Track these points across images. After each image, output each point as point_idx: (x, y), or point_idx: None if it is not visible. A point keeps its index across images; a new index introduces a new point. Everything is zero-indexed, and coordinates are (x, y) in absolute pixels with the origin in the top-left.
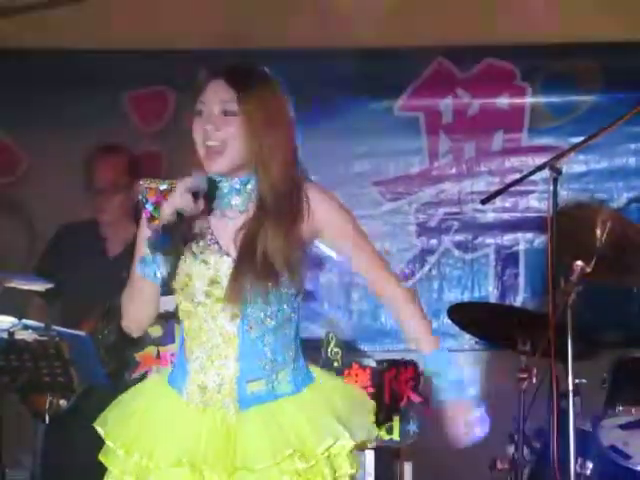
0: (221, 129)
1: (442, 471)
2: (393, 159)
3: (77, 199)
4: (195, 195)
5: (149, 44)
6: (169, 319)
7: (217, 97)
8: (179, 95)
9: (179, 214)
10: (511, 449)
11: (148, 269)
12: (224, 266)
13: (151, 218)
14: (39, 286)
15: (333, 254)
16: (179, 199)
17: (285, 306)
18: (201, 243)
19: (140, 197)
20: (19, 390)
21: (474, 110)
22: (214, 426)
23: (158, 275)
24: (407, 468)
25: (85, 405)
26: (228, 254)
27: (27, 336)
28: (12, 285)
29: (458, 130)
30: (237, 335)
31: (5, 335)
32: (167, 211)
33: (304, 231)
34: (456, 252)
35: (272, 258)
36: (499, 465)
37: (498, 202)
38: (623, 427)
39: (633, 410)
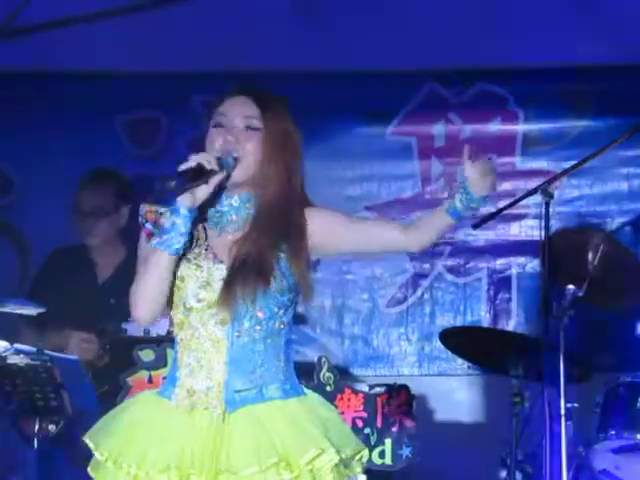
0: (241, 142)
1: None
2: (385, 183)
3: (70, 223)
4: (219, 163)
5: (142, 67)
6: (161, 343)
7: (241, 112)
8: (171, 119)
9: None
10: (503, 473)
11: (168, 239)
12: (217, 272)
13: (150, 235)
14: (31, 310)
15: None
16: (207, 155)
17: (275, 317)
18: (196, 250)
19: (140, 219)
20: (10, 414)
21: (466, 134)
22: (201, 427)
23: (180, 240)
24: None
25: (75, 430)
26: (222, 262)
27: (19, 360)
28: (4, 309)
29: (450, 154)
30: (226, 339)
31: None
32: (194, 161)
33: (305, 246)
34: (448, 276)
35: (265, 268)
36: None
37: (490, 226)
38: (615, 451)
39: (625, 434)
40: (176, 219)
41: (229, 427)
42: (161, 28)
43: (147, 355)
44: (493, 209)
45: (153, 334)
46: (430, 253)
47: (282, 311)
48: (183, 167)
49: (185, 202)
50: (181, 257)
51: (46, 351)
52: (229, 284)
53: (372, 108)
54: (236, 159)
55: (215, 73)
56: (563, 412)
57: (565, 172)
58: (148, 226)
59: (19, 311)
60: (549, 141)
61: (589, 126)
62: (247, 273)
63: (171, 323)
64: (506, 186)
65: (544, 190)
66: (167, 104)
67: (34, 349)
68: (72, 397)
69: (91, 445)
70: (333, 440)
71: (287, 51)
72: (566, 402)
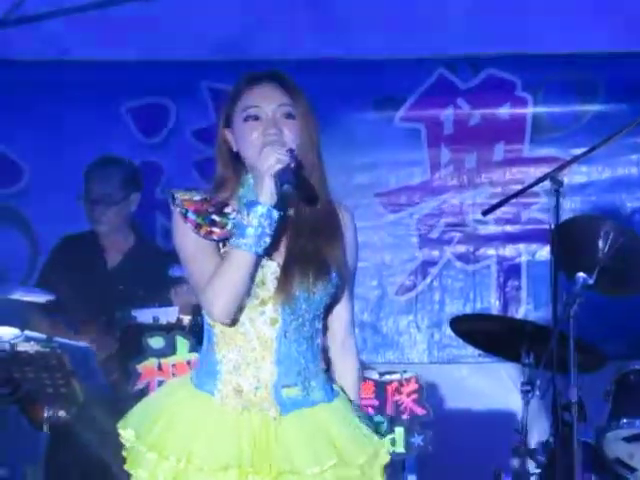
0: (284, 132)
1: None
2: (394, 170)
3: (78, 210)
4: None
5: (150, 54)
6: (170, 330)
7: (275, 101)
8: (179, 107)
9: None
10: (515, 462)
11: (256, 240)
12: (269, 270)
13: (198, 226)
14: (41, 297)
15: None
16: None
17: (318, 317)
18: None
19: (179, 210)
20: (20, 401)
21: (475, 121)
22: (254, 429)
23: (267, 240)
24: None
25: (86, 416)
26: (273, 259)
27: (29, 348)
28: (14, 297)
29: (459, 141)
30: (275, 340)
31: (7, 347)
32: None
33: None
34: (458, 264)
35: (324, 258)
36: (503, 478)
37: (500, 213)
38: (628, 440)
39: (637, 422)
40: (263, 220)
41: (282, 429)
42: (170, 15)
43: (157, 342)
44: (502, 196)
45: (163, 321)
46: (439, 240)
47: (323, 311)
48: (279, 167)
49: (269, 202)
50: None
51: (56, 338)
52: (285, 282)
53: (380, 95)
54: (292, 150)
55: (223, 61)
56: (574, 400)
57: (575, 159)
58: (192, 216)
59: (28, 299)
60: (559, 127)
61: (599, 112)
62: (305, 264)
63: (191, 311)
64: (515, 173)
65: (554, 177)
66: (175, 91)
67: (44, 336)
68: (82, 384)
69: (131, 434)
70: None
71: (296, 38)
72: (577, 390)
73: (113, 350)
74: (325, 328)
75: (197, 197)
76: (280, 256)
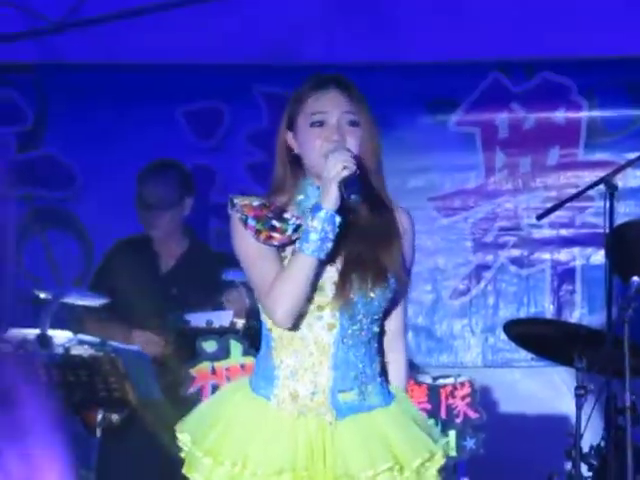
0: (347, 140)
1: None
2: (449, 174)
3: (132, 214)
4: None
5: (204, 58)
6: (224, 334)
7: (340, 108)
8: (233, 110)
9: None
10: (568, 465)
11: (320, 245)
12: (328, 274)
13: (258, 232)
14: (94, 301)
15: None
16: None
17: (376, 322)
18: None
19: (239, 216)
20: (74, 405)
21: (530, 125)
22: (310, 434)
23: (329, 245)
24: None
25: (139, 420)
26: (332, 264)
27: (83, 351)
28: (68, 300)
29: (514, 145)
30: (332, 345)
31: (61, 350)
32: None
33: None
34: (512, 268)
35: (382, 264)
36: None
37: (554, 217)
38: None
39: None
40: (326, 225)
41: (338, 433)
42: (224, 19)
43: (210, 346)
44: (557, 200)
45: (216, 325)
46: (494, 245)
47: (381, 315)
48: (346, 173)
49: (333, 207)
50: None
51: (109, 342)
52: (344, 284)
53: (435, 99)
54: (357, 157)
55: (276, 64)
56: (628, 404)
57: (629, 163)
58: (252, 222)
59: (83, 302)
60: (613, 131)
61: None
62: (363, 269)
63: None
64: (570, 177)
65: (608, 181)
66: (229, 95)
67: (97, 340)
68: (135, 388)
69: (187, 440)
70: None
71: (349, 42)
72: (631, 394)
73: (166, 354)
74: (382, 329)
75: (256, 202)
76: (339, 261)
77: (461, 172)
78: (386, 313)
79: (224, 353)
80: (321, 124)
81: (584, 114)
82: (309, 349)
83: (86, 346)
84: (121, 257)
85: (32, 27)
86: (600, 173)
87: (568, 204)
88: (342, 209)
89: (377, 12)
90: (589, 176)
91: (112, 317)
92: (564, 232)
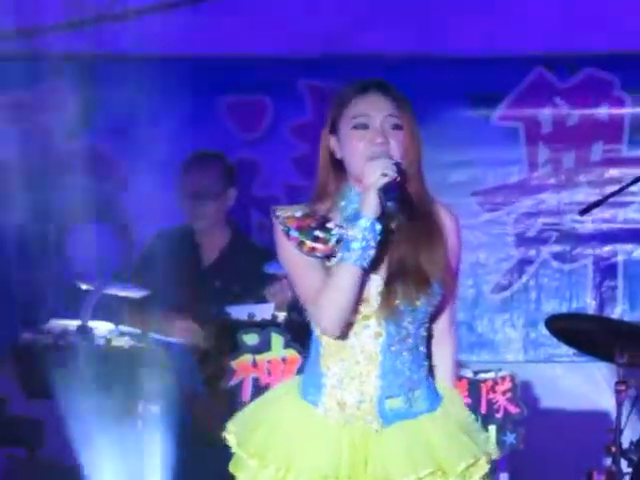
0: (391, 143)
1: None
2: (492, 169)
3: (174, 205)
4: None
5: (248, 50)
6: (265, 327)
7: (383, 111)
8: (277, 103)
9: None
10: (608, 461)
11: (362, 254)
12: (374, 283)
13: (301, 243)
14: (136, 292)
15: None
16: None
17: (422, 327)
18: None
19: (282, 227)
20: (115, 397)
21: (573, 120)
22: (354, 441)
23: (371, 253)
24: (503, 479)
25: (179, 412)
26: (376, 273)
27: (123, 343)
28: (109, 292)
29: (557, 140)
30: (379, 353)
31: (102, 342)
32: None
33: (446, 247)
34: (554, 263)
35: (424, 271)
36: (595, 477)
37: (597, 213)
38: None
39: None
40: (367, 233)
41: (383, 440)
42: (269, 12)
43: (251, 339)
44: (600, 196)
45: (258, 318)
46: (536, 239)
47: (428, 319)
48: (385, 180)
49: (373, 215)
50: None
51: (150, 334)
52: (390, 294)
53: (478, 93)
54: (398, 163)
55: (321, 58)
56: None
57: None
58: (294, 234)
59: (124, 293)
60: None
61: None
62: (407, 278)
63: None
64: (613, 173)
65: None
66: (273, 88)
67: (138, 331)
68: (176, 380)
69: (233, 441)
70: (479, 447)
71: (393, 35)
72: None
73: (207, 346)
74: (429, 332)
75: (299, 213)
76: (383, 270)
77: (504, 167)
78: (434, 316)
79: (265, 346)
80: (364, 127)
81: (627, 110)
82: (356, 358)
83: (127, 337)
84: (163, 248)
85: (79, 18)
86: None
87: (611, 200)
88: (382, 216)
89: (422, 5)
90: (632, 172)
91: (153, 309)
92: (607, 228)
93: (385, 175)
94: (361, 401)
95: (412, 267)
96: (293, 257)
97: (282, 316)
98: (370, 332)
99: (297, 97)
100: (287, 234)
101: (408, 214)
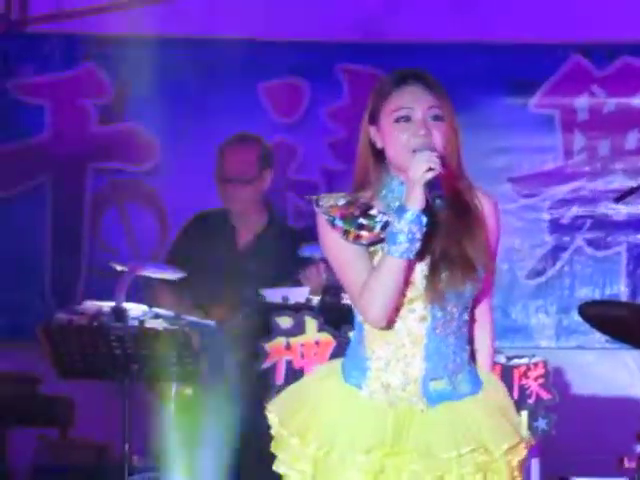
0: (433, 134)
1: (569, 468)
2: (528, 155)
3: (210, 188)
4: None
5: (287, 34)
6: (299, 310)
7: (424, 103)
8: (314, 87)
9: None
10: (639, 448)
11: (410, 247)
12: (419, 268)
13: (346, 232)
14: (170, 275)
15: None
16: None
17: (466, 309)
18: None
19: (326, 217)
20: (148, 378)
21: (609, 108)
22: (399, 420)
23: (417, 246)
24: (535, 464)
25: (213, 395)
26: (420, 260)
27: (157, 325)
28: (144, 273)
29: (593, 128)
30: (425, 336)
31: (136, 323)
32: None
33: (486, 234)
34: (588, 250)
35: (470, 257)
36: (627, 463)
37: (631, 201)
38: None
39: None
40: (413, 226)
41: (427, 418)
42: None
43: (285, 322)
44: (635, 183)
45: (291, 301)
46: (570, 226)
47: (470, 303)
48: (431, 175)
49: (418, 208)
50: (379, 250)
51: (184, 316)
52: (435, 280)
53: (515, 79)
54: (441, 157)
55: (358, 42)
56: None
57: None
58: (339, 224)
59: (159, 275)
60: None
61: None
62: (452, 265)
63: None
64: None
65: None
66: (310, 72)
67: (172, 314)
68: (209, 363)
69: (275, 420)
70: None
71: (430, 21)
72: None
73: (241, 329)
74: (471, 317)
75: (342, 201)
76: (427, 257)
77: (540, 154)
78: (476, 300)
79: (299, 329)
80: (407, 119)
81: None
82: (402, 341)
83: (161, 320)
84: (199, 230)
85: (114, 0)
86: None
87: None
88: (427, 208)
89: None
90: None
91: (188, 291)
92: None
93: (431, 169)
94: (406, 383)
95: (457, 254)
96: (338, 247)
97: (316, 300)
98: (416, 316)
99: (334, 82)
100: (332, 223)
101: (449, 204)
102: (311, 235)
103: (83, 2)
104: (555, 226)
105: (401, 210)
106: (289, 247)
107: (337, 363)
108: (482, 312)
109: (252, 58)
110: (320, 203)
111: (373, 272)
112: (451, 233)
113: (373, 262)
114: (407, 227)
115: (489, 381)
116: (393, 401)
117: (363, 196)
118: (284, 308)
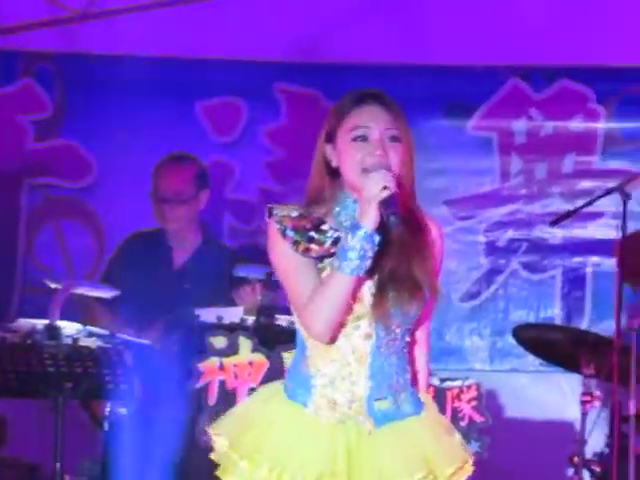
0: (389, 155)
1: None
2: (464, 178)
3: (147, 207)
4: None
5: (224, 53)
6: (233, 330)
7: (381, 123)
8: (252, 106)
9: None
10: (571, 472)
11: (360, 264)
12: (366, 286)
13: (296, 243)
14: (105, 293)
15: None
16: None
17: (409, 330)
18: None
19: (278, 227)
20: (81, 397)
21: (547, 132)
22: (349, 441)
23: (368, 264)
24: None
25: (147, 414)
26: (369, 278)
27: (91, 343)
28: (79, 291)
29: (530, 151)
30: (369, 354)
31: (69, 341)
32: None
33: (434, 257)
34: (523, 273)
35: (417, 278)
36: None
37: (567, 224)
38: None
39: None
40: (365, 244)
41: (376, 441)
42: (245, 16)
43: (219, 342)
44: (571, 207)
45: (226, 321)
46: (506, 249)
47: (414, 325)
48: (386, 193)
49: (372, 226)
50: (327, 266)
51: (118, 334)
52: (382, 296)
53: (454, 102)
54: (396, 176)
55: (296, 63)
56: (632, 412)
57: None
58: (290, 234)
59: (93, 294)
60: (630, 141)
61: None
62: (400, 284)
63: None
64: (585, 184)
65: (622, 190)
66: (248, 91)
67: (106, 332)
68: (143, 382)
69: (224, 443)
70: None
71: (368, 43)
72: (636, 403)
73: (175, 348)
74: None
75: (295, 213)
76: (377, 274)
77: (477, 176)
78: (417, 322)
79: (233, 349)
80: (364, 139)
81: (601, 122)
82: (347, 358)
83: (94, 338)
84: (135, 249)
85: (54, 16)
86: (615, 182)
87: (581, 211)
88: (381, 228)
89: (399, 14)
90: (604, 184)
91: (123, 309)
92: (576, 239)
93: (386, 188)
94: (352, 401)
95: (404, 275)
96: (287, 257)
97: (251, 320)
98: (361, 333)
99: (272, 101)
100: (283, 233)
101: (402, 223)
102: (246, 255)
103: (21, 18)
104: (491, 249)
105: (355, 227)
106: (224, 267)
107: (278, 384)
108: (422, 334)
109: (190, 77)
110: (273, 212)
111: (320, 286)
112: (401, 252)
113: (321, 278)
114: (359, 244)
115: (427, 403)
116: (341, 418)
117: (317, 211)
118: (218, 328)
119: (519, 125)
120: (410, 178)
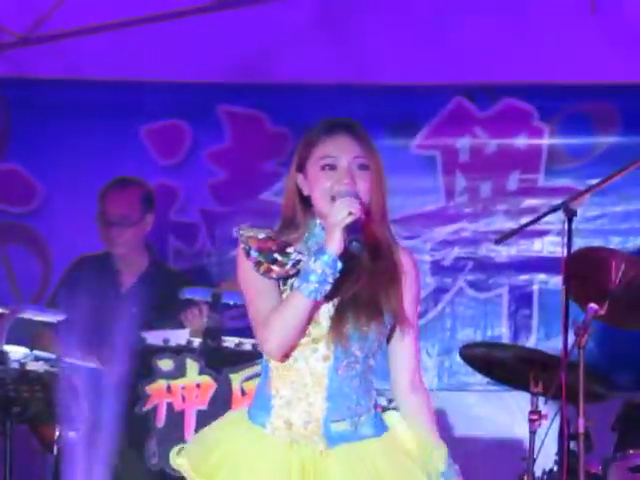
0: (358, 183)
1: None
2: (409, 197)
3: (93, 230)
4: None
5: (167, 76)
6: (180, 353)
7: (350, 152)
8: (196, 129)
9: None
10: None
11: (319, 287)
12: (324, 309)
13: (258, 263)
14: (51, 317)
15: None
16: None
17: (372, 355)
18: None
19: (243, 246)
20: (29, 421)
21: (491, 150)
22: (302, 462)
23: (327, 288)
24: None
25: (96, 437)
26: (328, 300)
27: (38, 367)
28: (25, 316)
29: (474, 169)
30: (326, 376)
31: (17, 366)
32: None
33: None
34: (470, 291)
35: (377, 302)
36: None
37: (513, 242)
38: (633, 470)
39: None
40: (327, 269)
41: (330, 463)
42: (188, 38)
43: (166, 364)
44: (516, 225)
45: (173, 344)
46: (452, 268)
47: (377, 349)
48: (351, 219)
49: (335, 252)
50: (287, 289)
51: (65, 359)
52: (340, 319)
53: (397, 121)
54: (363, 203)
55: (238, 84)
56: (581, 430)
57: (589, 190)
58: (254, 254)
59: (39, 318)
60: (574, 158)
61: (614, 143)
62: (358, 307)
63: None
64: (530, 202)
65: (567, 207)
66: (192, 114)
67: (53, 356)
68: (91, 405)
69: (187, 466)
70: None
71: (311, 63)
72: (585, 420)
73: (122, 372)
74: (391, 368)
75: (262, 235)
76: (336, 297)
77: (421, 195)
78: (392, 350)
79: (180, 372)
80: (332, 167)
81: (545, 140)
82: (304, 380)
83: (42, 362)
84: (82, 273)
85: None
86: (560, 199)
87: (527, 229)
88: (344, 253)
89: (342, 34)
90: (549, 202)
91: (70, 333)
92: (522, 257)
93: (351, 214)
94: (308, 422)
95: (364, 299)
96: (251, 277)
97: (197, 342)
98: (318, 355)
99: (216, 123)
100: (247, 253)
101: (371, 251)
102: (191, 277)
103: None
104: (437, 268)
105: (319, 252)
106: (170, 289)
107: (244, 408)
108: (411, 379)
109: (134, 99)
110: (241, 232)
111: (278, 306)
112: (363, 278)
113: (282, 299)
114: (321, 268)
115: (395, 428)
116: (295, 439)
117: (288, 237)
118: (165, 350)
119: (463, 143)
120: (380, 206)
